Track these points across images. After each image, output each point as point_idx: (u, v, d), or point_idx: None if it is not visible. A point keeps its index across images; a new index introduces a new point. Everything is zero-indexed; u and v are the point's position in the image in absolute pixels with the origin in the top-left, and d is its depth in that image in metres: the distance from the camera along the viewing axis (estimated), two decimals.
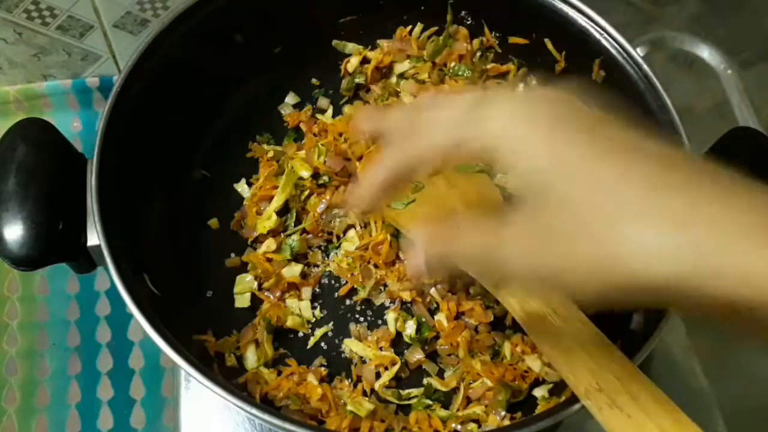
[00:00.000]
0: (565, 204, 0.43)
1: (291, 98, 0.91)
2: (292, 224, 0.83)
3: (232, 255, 0.82)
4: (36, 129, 0.71)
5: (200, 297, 0.79)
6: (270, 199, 0.83)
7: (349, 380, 0.76)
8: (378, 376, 0.76)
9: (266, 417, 0.60)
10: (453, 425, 0.73)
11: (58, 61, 1.16)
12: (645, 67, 0.74)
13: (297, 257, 0.82)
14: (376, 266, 0.80)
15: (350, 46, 0.91)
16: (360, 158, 0.84)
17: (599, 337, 0.60)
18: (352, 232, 0.83)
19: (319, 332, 0.78)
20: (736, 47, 1.07)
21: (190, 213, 0.82)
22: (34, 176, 0.67)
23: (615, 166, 0.43)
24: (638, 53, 0.75)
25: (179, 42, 0.77)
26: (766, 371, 0.92)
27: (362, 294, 0.80)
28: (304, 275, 0.81)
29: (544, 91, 0.51)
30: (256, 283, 0.80)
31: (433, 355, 0.78)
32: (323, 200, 0.83)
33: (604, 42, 0.76)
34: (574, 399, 0.59)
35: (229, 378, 0.72)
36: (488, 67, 0.89)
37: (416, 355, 0.77)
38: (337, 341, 0.78)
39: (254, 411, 0.60)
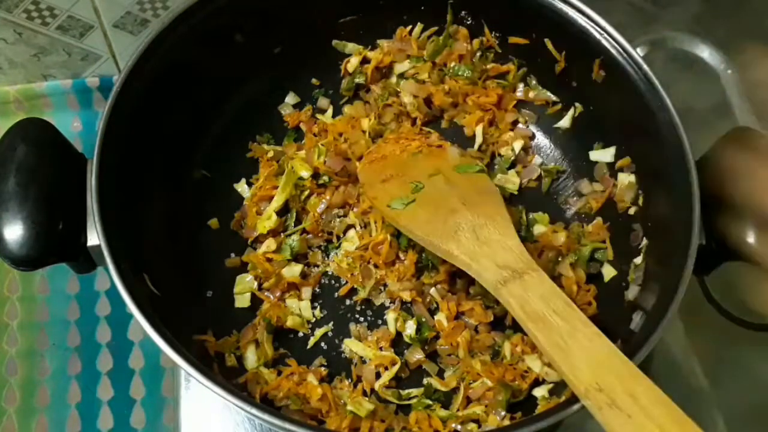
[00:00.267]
0: None
1: (291, 98, 0.91)
2: (292, 224, 0.83)
3: (232, 255, 0.82)
4: (36, 129, 0.71)
5: (200, 297, 0.79)
6: (270, 199, 0.83)
7: (349, 380, 0.76)
8: (378, 376, 0.76)
9: (266, 417, 0.60)
10: (453, 425, 0.73)
11: (58, 61, 1.16)
12: (645, 67, 0.74)
13: (297, 257, 0.82)
14: (376, 266, 0.80)
15: (350, 46, 0.91)
16: (360, 158, 0.84)
17: (599, 337, 0.60)
18: (352, 232, 0.83)
19: (319, 332, 0.78)
20: (736, 47, 1.07)
21: (190, 213, 0.82)
22: (34, 176, 0.67)
23: None
24: (638, 53, 0.75)
25: (179, 42, 0.77)
26: (766, 371, 0.92)
27: (362, 294, 0.80)
28: (304, 275, 0.81)
29: None
30: (256, 283, 0.80)
31: (433, 355, 0.78)
32: (323, 200, 0.83)
33: (604, 42, 0.76)
34: (574, 399, 0.59)
35: (229, 378, 0.72)
36: (488, 67, 0.89)
37: (416, 355, 0.77)
38: (337, 341, 0.78)
39: (254, 411, 0.60)
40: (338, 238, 0.83)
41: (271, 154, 0.86)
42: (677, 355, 0.86)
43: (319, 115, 0.90)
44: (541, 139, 0.89)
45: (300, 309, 0.79)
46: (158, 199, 0.79)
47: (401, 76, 0.90)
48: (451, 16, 0.87)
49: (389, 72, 0.91)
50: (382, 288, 0.80)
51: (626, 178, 0.80)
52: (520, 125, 0.89)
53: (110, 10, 1.07)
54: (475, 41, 0.88)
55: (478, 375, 0.75)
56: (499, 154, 0.88)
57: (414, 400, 0.74)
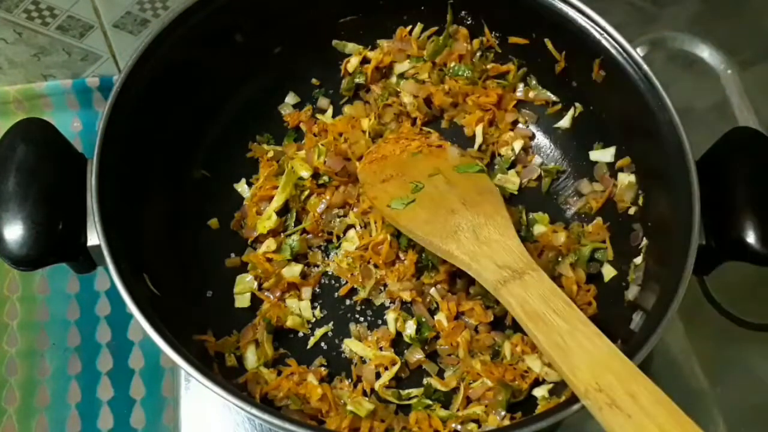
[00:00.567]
0: None
1: (291, 98, 0.91)
2: (292, 224, 0.83)
3: (232, 255, 0.82)
4: (36, 129, 0.71)
5: (200, 297, 0.79)
6: (270, 199, 0.83)
7: (349, 380, 0.76)
8: (378, 376, 0.76)
9: (266, 417, 0.60)
10: (453, 425, 0.73)
11: (58, 61, 1.16)
12: (645, 67, 0.74)
13: (297, 257, 0.82)
14: (376, 266, 0.80)
15: (350, 46, 0.91)
16: (360, 158, 0.84)
17: (599, 337, 0.60)
18: (352, 232, 0.83)
19: (319, 332, 0.78)
20: (736, 47, 1.07)
21: (190, 213, 0.82)
22: (34, 176, 0.67)
23: None
24: (638, 53, 0.75)
25: (179, 42, 0.77)
26: (766, 371, 0.92)
27: (362, 294, 0.80)
28: (304, 275, 0.81)
29: None
30: (256, 283, 0.80)
31: (433, 355, 0.78)
32: (323, 200, 0.83)
33: (604, 42, 0.76)
34: (574, 399, 0.59)
35: (229, 378, 0.72)
36: (488, 67, 0.89)
37: (416, 355, 0.77)
38: (337, 341, 0.78)
39: (254, 411, 0.60)
40: (338, 238, 0.83)
41: (271, 154, 0.86)
42: (677, 355, 0.85)
43: (319, 115, 0.90)
44: (541, 139, 0.89)
45: (300, 309, 0.79)
46: (158, 199, 0.79)
47: (401, 76, 0.90)
48: (451, 16, 0.87)
49: (389, 72, 0.91)
50: (382, 288, 0.80)
51: (626, 178, 0.80)
52: (520, 125, 0.89)
53: (110, 10, 1.07)
54: (475, 41, 0.88)
55: (478, 375, 0.75)
56: (499, 154, 0.88)
57: (414, 400, 0.74)
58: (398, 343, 0.78)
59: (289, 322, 0.78)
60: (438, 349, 0.78)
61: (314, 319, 0.79)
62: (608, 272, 0.79)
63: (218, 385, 0.61)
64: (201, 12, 0.78)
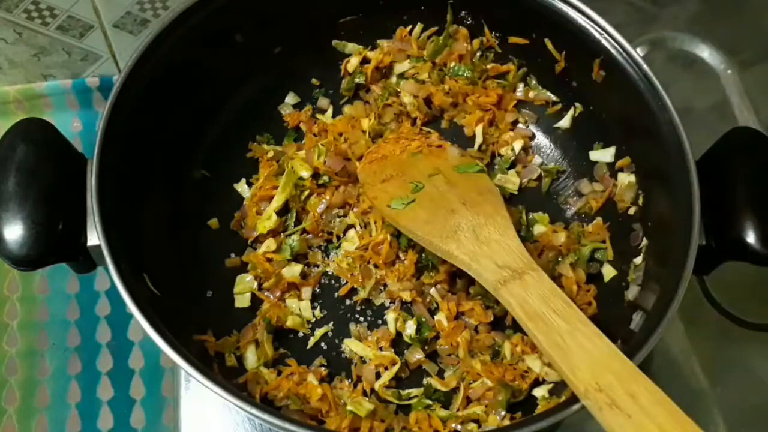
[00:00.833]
0: None
1: (291, 98, 0.91)
2: (292, 224, 0.83)
3: (232, 255, 0.82)
4: (36, 129, 0.71)
5: (200, 297, 0.79)
6: (270, 199, 0.83)
7: (349, 380, 0.76)
8: (378, 376, 0.76)
9: (266, 417, 0.60)
10: (453, 425, 0.72)
11: (58, 61, 1.16)
12: (645, 67, 0.74)
13: (297, 257, 0.82)
14: (376, 266, 0.80)
15: (350, 46, 0.91)
16: (360, 158, 0.84)
17: (599, 337, 0.60)
18: (352, 232, 0.83)
19: (319, 332, 0.78)
20: (736, 47, 1.07)
21: (190, 213, 0.82)
22: (34, 176, 0.67)
23: None
24: (638, 53, 0.75)
25: (179, 42, 0.77)
26: (766, 371, 0.92)
27: (362, 294, 0.80)
28: (304, 275, 0.81)
29: None
30: (256, 283, 0.80)
31: (433, 355, 0.78)
32: (323, 200, 0.83)
33: (604, 42, 0.76)
34: (574, 399, 0.59)
35: (229, 378, 0.72)
36: (488, 67, 0.89)
37: (416, 355, 0.77)
38: (337, 341, 0.78)
39: (254, 411, 0.60)
40: (338, 238, 0.83)
41: (271, 154, 0.86)
42: (677, 355, 0.85)
43: (319, 115, 0.90)
44: (541, 139, 0.89)
45: (300, 309, 0.79)
46: (158, 199, 0.79)
47: (401, 76, 0.90)
48: (451, 16, 0.87)
49: (389, 72, 0.91)
50: (382, 288, 0.80)
51: (626, 178, 0.80)
52: (520, 125, 0.89)
53: (110, 10, 1.07)
54: (475, 41, 0.88)
55: (478, 375, 0.75)
56: (499, 154, 0.88)
57: (414, 400, 0.74)
58: (398, 343, 0.78)
59: (289, 322, 0.78)
60: (438, 349, 0.78)
61: (314, 319, 0.79)
62: (608, 272, 0.79)
63: (218, 385, 0.61)
64: (201, 12, 0.78)
